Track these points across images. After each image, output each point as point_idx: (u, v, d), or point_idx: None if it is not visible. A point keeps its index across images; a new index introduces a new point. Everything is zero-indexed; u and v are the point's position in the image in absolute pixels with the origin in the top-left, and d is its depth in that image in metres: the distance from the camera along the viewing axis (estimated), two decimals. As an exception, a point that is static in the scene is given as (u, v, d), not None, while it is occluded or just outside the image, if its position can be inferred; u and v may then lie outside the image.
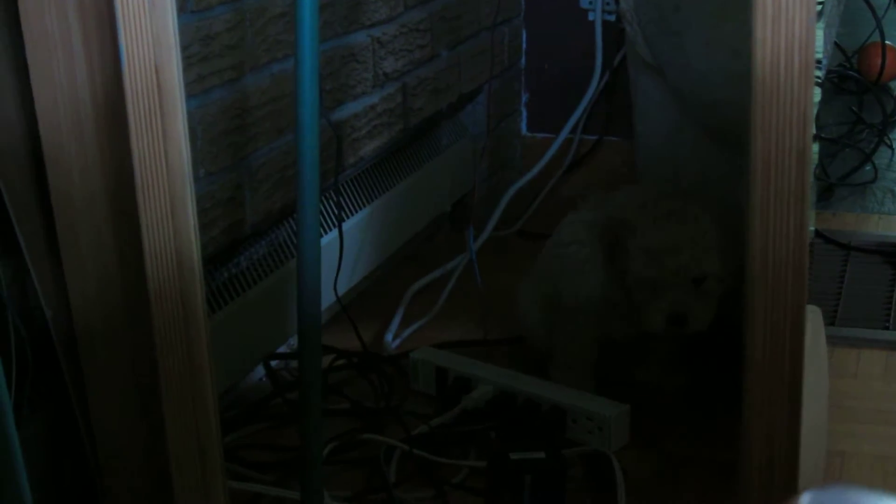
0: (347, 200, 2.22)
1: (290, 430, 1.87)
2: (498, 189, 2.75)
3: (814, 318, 1.52)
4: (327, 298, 2.02)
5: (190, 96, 1.63)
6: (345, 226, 2.10)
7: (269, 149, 1.89)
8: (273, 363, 2.02)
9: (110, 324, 1.29)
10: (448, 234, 2.61)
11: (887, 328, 2.09)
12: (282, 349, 2.06)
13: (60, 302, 1.33)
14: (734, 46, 1.68)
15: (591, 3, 2.79)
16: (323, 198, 2.11)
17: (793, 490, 1.08)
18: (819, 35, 1.67)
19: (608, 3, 2.76)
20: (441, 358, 2.00)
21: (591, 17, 2.80)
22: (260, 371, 2.03)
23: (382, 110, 2.21)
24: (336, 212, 2.09)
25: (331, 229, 2.12)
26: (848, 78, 3.17)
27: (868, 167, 2.86)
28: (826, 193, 2.73)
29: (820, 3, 1.75)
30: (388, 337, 2.18)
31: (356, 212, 2.23)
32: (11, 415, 1.00)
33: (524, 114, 2.91)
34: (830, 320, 2.12)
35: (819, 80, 1.95)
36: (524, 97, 2.90)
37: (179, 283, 1.19)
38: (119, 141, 1.24)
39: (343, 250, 2.02)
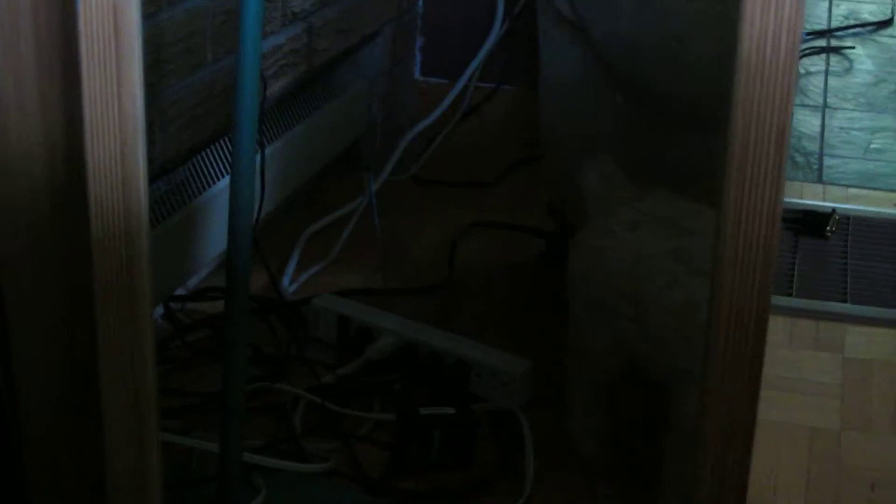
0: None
1: (186, 373, 1.85)
2: (390, 133, 2.72)
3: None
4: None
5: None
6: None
7: (181, 86, 1.84)
8: (171, 305, 1.99)
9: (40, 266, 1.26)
10: (340, 177, 2.57)
11: (790, 295, 2.12)
12: (179, 292, 2.03)
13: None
14: (666, 8, 1.68)
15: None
16: (224, 139, 2.07)
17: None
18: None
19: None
20: (343, 306, 1.98)
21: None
22: (157, 311, 1.99)
23: (289, 50, 2.17)
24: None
25: (229, 171, 2.07)
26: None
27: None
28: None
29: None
30: (286, 281, 2.15)
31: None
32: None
33: (418, 58, 2.88)
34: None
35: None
36: (419, 41, 2.87)
37: (125, 235, 1.15)
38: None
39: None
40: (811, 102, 2.75)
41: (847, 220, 2.42)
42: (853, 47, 2.76)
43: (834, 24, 2.77)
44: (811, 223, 2.37)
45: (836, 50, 2.77)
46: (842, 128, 2.73)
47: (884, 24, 2.76)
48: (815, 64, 2.78)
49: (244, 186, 1.37)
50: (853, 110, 2.67)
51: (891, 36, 2.76)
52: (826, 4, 2.79)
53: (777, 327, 2.01)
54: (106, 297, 1.17)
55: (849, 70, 2.78)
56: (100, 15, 1.10)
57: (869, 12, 2.75)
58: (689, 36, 1.61)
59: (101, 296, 1.17)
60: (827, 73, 2.79)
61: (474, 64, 2.80)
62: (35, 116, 1.21)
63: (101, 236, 1.15)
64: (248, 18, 1.30)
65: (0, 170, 1.24)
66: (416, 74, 2.89)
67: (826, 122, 2.75)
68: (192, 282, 2.07)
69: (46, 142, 1.22)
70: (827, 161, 2.71)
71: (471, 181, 2.60)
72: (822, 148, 2.73)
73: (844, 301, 2.11)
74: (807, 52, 2.77)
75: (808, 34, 2.77)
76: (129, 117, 1.13)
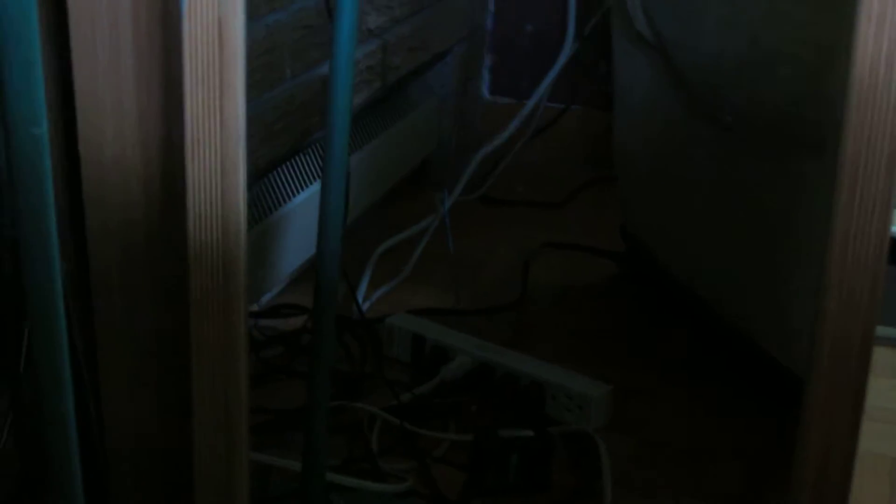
0: (318, 159, 2.18)
1: (261, 390, 1.84)
2: (458, 152, 2.72)
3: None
4: (305, 254, 2.01)
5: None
6: (313, 186, 2.06)
7: (260, 102, 1.84)
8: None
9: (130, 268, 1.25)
10: (409, 196, 2.57)
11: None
12: (253, 308, 2.02)
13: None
14: (753, 31, 1.66)
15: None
16: (300, 155, 2.08)
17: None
18: None
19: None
20: (418, 325, 1.97)
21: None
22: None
23: (364, 67, 2.17)
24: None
25: (305, 187, 2.08)
26: None
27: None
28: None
29: None
30: (358, 299, 2.14)
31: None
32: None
33: (486, 77, 2.88)
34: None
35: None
36: (487, 60, 2.87)
37: (222, 249, 1.14)
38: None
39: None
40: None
41: (923, 246, 2.40)
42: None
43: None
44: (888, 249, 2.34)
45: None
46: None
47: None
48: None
49: (334, 203, 1.37)
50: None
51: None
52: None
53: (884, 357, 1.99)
54: (201, 310, 1.16)
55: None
56: (204, 26, 1.09)
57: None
58: (779, 56, 1.60)
59: (196, 309, 1.16)
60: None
61: (545, 83, 2.79)
62: (132, 129, 1.21)
63: (198, 250, 1.15)
64: (343, 22, 1.29)
65: (96, 180, 1.24)
66: (485, 93, 2.88)
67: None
68: (266, 298, 2.07)
69: (143, 154, 1.22)
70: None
71: (539, 202, 2.60)
72: None
73: (922, 329, 2.09)
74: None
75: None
76: (231, 130, 1.12)
